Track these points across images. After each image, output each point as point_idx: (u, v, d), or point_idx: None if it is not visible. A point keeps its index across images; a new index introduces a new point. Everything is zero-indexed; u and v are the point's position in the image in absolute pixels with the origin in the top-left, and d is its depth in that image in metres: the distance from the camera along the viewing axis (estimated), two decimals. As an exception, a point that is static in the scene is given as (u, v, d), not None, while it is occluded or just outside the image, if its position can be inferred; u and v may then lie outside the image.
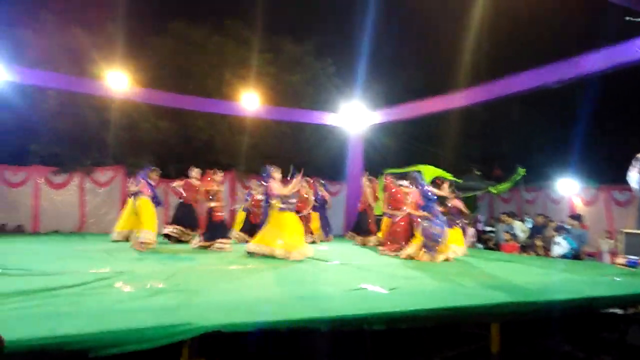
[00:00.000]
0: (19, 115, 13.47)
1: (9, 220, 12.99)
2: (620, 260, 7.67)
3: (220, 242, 8.60)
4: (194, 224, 9.88)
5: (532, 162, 15.25)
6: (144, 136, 15.05)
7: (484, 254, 9.61)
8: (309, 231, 10.75)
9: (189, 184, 10.21)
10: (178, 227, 9.98)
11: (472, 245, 11.42)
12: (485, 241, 12.88)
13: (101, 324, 2.89)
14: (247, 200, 10.98)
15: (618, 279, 6.05)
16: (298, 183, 7.77)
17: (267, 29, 16.99)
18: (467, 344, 4.86)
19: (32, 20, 14.33)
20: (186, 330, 2.95)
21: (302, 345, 3.89)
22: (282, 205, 7.53)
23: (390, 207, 9.23)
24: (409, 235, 8.35)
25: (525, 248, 11.38)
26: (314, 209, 11.48)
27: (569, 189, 14.69)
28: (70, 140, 14.18)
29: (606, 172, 13.81)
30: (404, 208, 8.55)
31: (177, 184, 10.66)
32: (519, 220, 12.80)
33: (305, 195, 10.84)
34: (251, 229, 9.80)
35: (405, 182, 8.77)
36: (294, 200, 7.84)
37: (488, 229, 14.15)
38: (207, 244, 8.63)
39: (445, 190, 9.40)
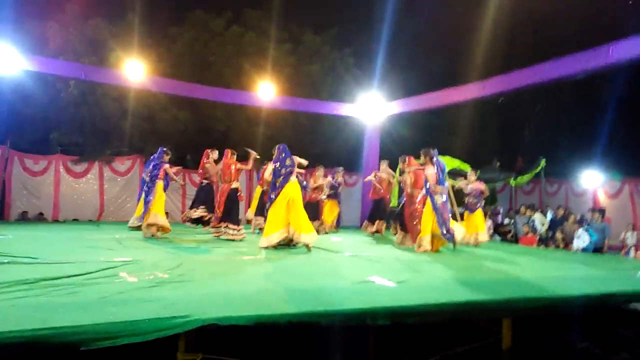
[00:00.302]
0: (41, 104, 13.69)
1: (31, 208, 13.23)
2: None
3: (233, 229, 8.50)
4: (212, 205, 9.81)
5: (555, 153, 14.89)
6: (163, 126, 15.14)
7: (500, 247, 9.41)
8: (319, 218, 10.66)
9: (227, 164, 9.31)
10: (203, 208, 9.83)
11: (489, 238, 11.19)
12: (504, 234, 12.63)
13: (95, 316, 2.85)
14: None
15: (640, 273, 5.82)
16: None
17: (286, 19, 16.91)
18: (477, 339, 4.73)
19: (56, 11, 14.48)
20: (181, 323, 2.88)
21: (305, 341, 3.81)
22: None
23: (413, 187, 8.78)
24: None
25: (545, 241, 11.12)
26: (334, 197, 11.40)
27: (592, 181, 14.30)
28: (91, 130, 14.35)
29: (631, 164, 13.39)
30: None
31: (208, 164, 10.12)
32: (539, 213, 12.50)
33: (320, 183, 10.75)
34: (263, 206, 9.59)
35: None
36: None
37: (507, 221, 13.86)
38: (222, 225, 8.56)
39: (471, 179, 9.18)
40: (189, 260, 5.54)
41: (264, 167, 9.97)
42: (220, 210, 8.66)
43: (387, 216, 10.72)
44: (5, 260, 4.90)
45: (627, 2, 13.56)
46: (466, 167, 11.46)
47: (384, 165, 11.02)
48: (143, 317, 2.87)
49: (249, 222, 10.91)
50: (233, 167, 8.89)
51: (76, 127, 14.24)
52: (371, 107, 13.65)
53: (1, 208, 12.96)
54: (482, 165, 11.99)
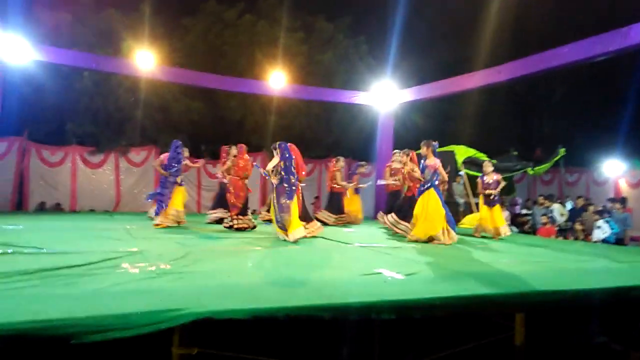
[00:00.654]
0: (56, 95, 13.76)
1: (48, 198, 13.38)
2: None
3: (245, 220, 8.51)
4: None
5: (575, 142, 14.51)
6: (176, 116, 15.13)
7: (517, 238, 9.16)
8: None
9: (247, 160, 9.16)
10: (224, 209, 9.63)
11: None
12: (521, 224, 12.34)
13: (88, 308, 2.77)
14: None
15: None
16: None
17: (299, 7, 16.71)
18: (488, 335, 4.58)
19: (70, 3, 14.51)
20: (175, 316, 2.78)
21: (307, 335, 3.70)
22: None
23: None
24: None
25: (564, 232, 10.84)
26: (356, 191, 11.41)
27: (614, 170, 13.90)
28: (106, 120, 14.40)
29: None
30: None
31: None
32: (558, 203, 12.19)
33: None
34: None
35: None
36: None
37: (524, 211, 13.55)
38: (242, 218, 8.53)
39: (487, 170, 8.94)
40: (195, 251, 5.46)
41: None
42: (241, 204, 8.62)
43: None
44: (10, 250, 4.88)
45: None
46: (482, 157, 11.20)
47: (397, 155, 10.76)
48: (136, 310, 2.78)
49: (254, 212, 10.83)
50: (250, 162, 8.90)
51: (91, 117, 14.31)
52: (384, 95, 13.43)
53: (20, 199, 13.13)
54: (498, 155, 11.70)
